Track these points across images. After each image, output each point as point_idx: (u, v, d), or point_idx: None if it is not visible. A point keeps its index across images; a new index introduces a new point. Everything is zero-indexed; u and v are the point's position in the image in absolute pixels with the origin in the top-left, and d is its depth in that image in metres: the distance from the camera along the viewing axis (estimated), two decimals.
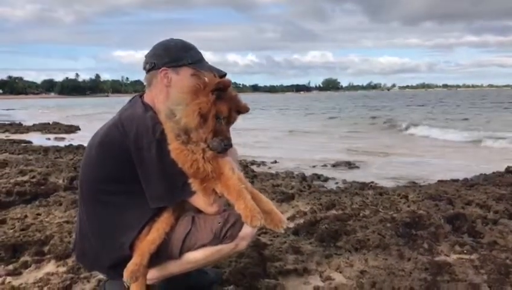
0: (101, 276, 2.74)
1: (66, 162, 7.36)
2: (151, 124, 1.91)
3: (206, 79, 1.87)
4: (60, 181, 5.92)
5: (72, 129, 16.02)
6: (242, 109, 1.95)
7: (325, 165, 7.86)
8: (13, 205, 4.70)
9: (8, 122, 17.27)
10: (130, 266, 1.90)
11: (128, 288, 2.06)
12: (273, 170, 7.36)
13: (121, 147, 1.91)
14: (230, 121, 1.91)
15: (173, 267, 2.04)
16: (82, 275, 2.77)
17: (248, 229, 1.98)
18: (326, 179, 6.47)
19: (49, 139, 13.01)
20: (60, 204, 4.31)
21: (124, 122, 1.94)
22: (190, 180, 1.91)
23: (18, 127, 16.08)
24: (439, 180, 6.08)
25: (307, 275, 2.90)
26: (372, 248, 3.25)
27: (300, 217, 4.18)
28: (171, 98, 1.97)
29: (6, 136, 13.49)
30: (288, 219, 4.25)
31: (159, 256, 1.98)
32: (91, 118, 25.64)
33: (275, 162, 8.22)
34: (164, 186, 1.91)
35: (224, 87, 1.86)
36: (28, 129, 15.67)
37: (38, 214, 3.99)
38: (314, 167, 7.61)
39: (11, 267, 2.95)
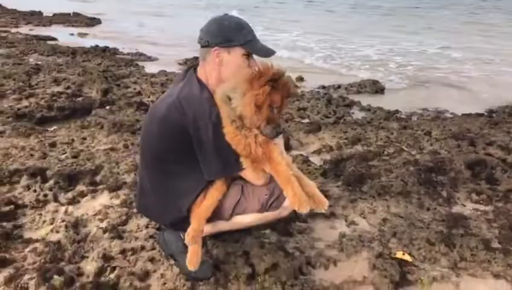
0: None
1: (96, 69, 7.51)
2: (208, 107, 2.06)
3: (262, 68, 1.98)
4: (94, 93, 6.16)
5: (94, 23, 15.83)
6: (293, 95, 2.08)
7: (350, 86, 7.84)
8: (55, 121, 5.03)
9: (29, 12, 17.01)
10: (191, 231, 2.19)
11: (183, 239, 2.39)
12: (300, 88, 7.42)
13: (180, 125, 2.08)
14: (282, 108, 2.06)
15: (223, 226, 2.34)
16: (135, 210, 3.11)
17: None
18: (351, 104, 6.56)
19: (72, 34, 12.97)
20: (102, 127, 4.58)
21: (182, 102, 2.08)
22: (241, 159, 2.12)
23: (40, 19, 15.90)
24: (463, 114, 6.15)
25: (334, 219, 3.21)
26: (395, 195, 3.52)
27: (327, 153, 4.41)
28: (227, 83, 2.09)
29: (30, 30, 13.46)
30: (314, 152, 4.51)
31: (211, 217, 2.27)
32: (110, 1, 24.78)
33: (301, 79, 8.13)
34: (219, 163, 2.12)
35: (279, 77, 1.98)
36: (50, 22, 15.51)
37: (84, 139, 4.28)
38: (338, 87, 7.63)
39: (69, 195, 3.30)
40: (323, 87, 7.68)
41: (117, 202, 3.21)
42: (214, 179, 2.21)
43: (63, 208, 3.13)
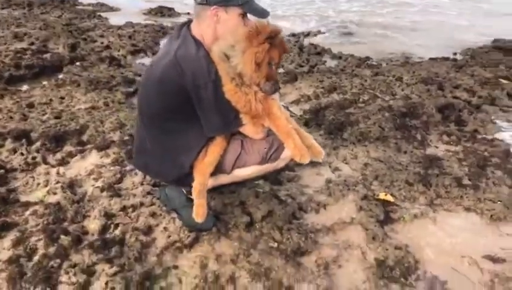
0: None
1: (59, 23, 7.20)
2: (206, 65, 2.10)
3: (259, 26, 2.03)
4: (61, 48, 5.96)
5: None
6: (288, 51, 2.16)
7: (319, 32, 7.89)
8: (24, 80, 4.88)
9: None
10: (197, 186, 2.29)
11: (186, 193, 2.51)
12: None
13: (179, 84, 2.11)
14: (278, 64, 2.13)
15: (224, 179, 2.46)
16: (128, 168, 3.18)
17: (288, 153, 2.36)
18: (322, 52, 6.64)
19: None
20: (78, 85, 4.50)
21: (180, 62, 2.10)
22: (241, 115, 2.21)
23: None
24: (430, 58, 6.37)
25: (319, 166, 3.39)
26: (373, 140, 3.72)
27: (305, 102, 4.55)
28: (223, 41, 2.13)
29: None
30: (293, 102, 4.63)
31: (213, 171, 2.37)
32: None
33: None
34: (219, 120, 2.20)
35: (276, 35, 2.04)
36: None
37: (62, 98, 4.20)
38: (308, 35, 7.67)
39: (58, 156, 3.31)
40: (293, 34, 7.69)
41: (108, 161, 3.26)
42: (215, 136, 2.30)
43: (54, 170, 3.15)
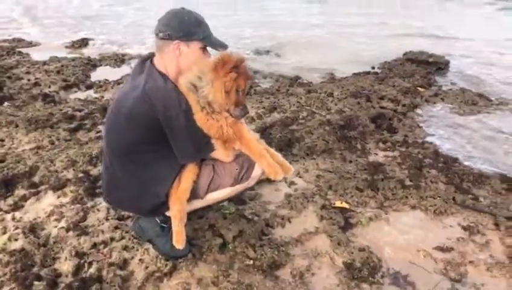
0: (106, 204, 3.16)
1: None
2: (176, 96, 2.19)
3: (224, 57, 2.18)
4: None
5: None
6: (251, 78, 2.33)
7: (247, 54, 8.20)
8: None
9: None
10: (177, 214, 2.35)
11: (160, 223, 2.55)
12: None
13: (150, 117, 2.18)
14: (245, 90, 2.30)
15: (198, 204, 2.53)
16: (89, 205, 3.13)
17: (258, 172, 2.51)
18: (254, 72, 6.91)
19: None
20: (16, 125, 4.30)
21: (150, 95, 2.16)
22: (212, 140, 2.33)
23: None
24: (353, 73, 6.88)
25: (276, 182, 3.56)
26: (320, 153, 3.99)
27: (251, 123, 4.73)
28: (189, 73, 2.25)
29: None
30: None
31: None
32: None
33: None
34: (192, 147, 2.29)
35: (240, 64, 2.21)
36: None
37: (2, 140, 4.01)
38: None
39: (10, 201, 3.18)
40: None
41: (66, 200, 3.18)
42: (188, 163, 2.38)
43: (8, 216, 3.02)
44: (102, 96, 5.60)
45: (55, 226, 2.91)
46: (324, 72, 7.16)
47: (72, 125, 4.49)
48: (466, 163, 3.95)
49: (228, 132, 2.29)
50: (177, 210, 2.36)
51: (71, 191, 3.26)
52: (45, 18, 12.08)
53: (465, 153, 4.22)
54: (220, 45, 2.34)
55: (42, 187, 3.33)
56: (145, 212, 2.53)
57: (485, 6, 11.12)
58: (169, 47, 2.29)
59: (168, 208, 2.43)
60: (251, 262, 2.66)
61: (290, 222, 3.09)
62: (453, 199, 3.38)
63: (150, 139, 2.28)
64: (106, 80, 6.29)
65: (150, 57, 2.43)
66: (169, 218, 2.52)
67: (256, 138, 2.43)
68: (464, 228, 3.10)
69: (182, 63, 2.32)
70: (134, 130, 2.26)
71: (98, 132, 4.45)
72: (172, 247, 2.52)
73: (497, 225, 3.13)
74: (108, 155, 2.44)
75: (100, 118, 4.72)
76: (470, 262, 2.77)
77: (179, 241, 2.38)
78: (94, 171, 3.55)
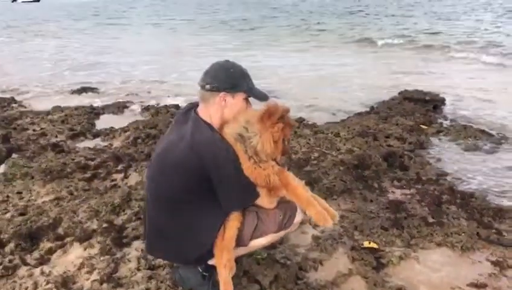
0: (136, 253, 3.12)
1: None
2: (224, 147, 2.24)
3: (271, 108, 2.26)
4: None
5: None
6: (294, 126, 2.40)
7: None
8: None
9: None
10: (227, 263, 2.33)
11: (201, 272, 2.53)
12: None
13: (198, 167, 2.21)
14: (289, 139, 2.36)
15: (242, 251, 2.52)
16: (118, 255, 3.09)
17: (299, 217, 2.55)
18: None
19: None
20: (32, 177, 4.28)
21: (199, 146, 2.20)
22: (258, 188, 2.36)
23: None
24: (356, 113, 7.04)
25: (301, 225, 3.53)
26: (340, 193, 4.03)
27: None
28: (234, 123, 2.32)
29: None
30: None
31: None
32: None
33: None
34: (240, 196, 2.33)
35: (286, 114, 2.28)
36: None
37: (20, 193, 3.97)
38: None
39: (36, 254, 3.12)
40: None
41: (95, 251, 3.14)
42: (234, 211, 2.40)
43: (37, 270, 2.96)
44: (111, 144, 5.61)
45: (87, 279, 2.86)
46: (326, 113, 7.30)
47: (87, 175, 4.48)
48: (483, 198, 4.01)
49: (275, 180, 2.33)
50: (227, 259, 2.34)
51: (98, 242, 3.22)
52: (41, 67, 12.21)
53: (479, 188, 4.30)
54: (262, 97, 2.42)
55: (68, 239, 3.28)
56: (189, 261, 2.51)
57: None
58: (216, 98, 2.35)
59: (211, 257, 2.42)
60: None
61: (322, 264, 3.08)
62: (477, 234, 3.42)
63: (196, 188, 2.30)
64: (112, 127, 6.31)
65: (194, 106, 2.48)
66: (210, 266, 2.51)
67: (302, 184, 2.46)
68: (494, 263, 3.12)
69: (226, 113, 2.38)
70: (181, 179, 2.28)
71: (112, 180, 4.44)
72: None
73: None
74: (152, 204, 2.45)
75: (114, 167, 4.72)
76: None
77: None
78: (118, 221, 3.52)
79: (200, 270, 2.55)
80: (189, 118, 2.39)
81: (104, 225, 3.42)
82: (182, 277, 2.60)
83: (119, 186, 4.25)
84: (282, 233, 2.54)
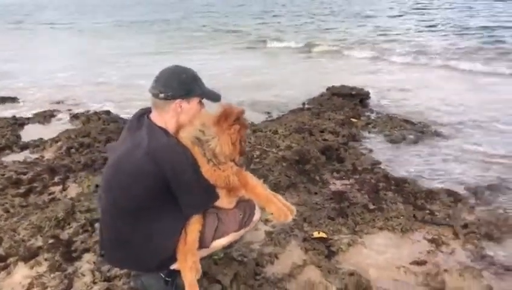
0: (88, 266, 3.03)
1: None
2: (181, 151, 2.24)
3: (227, 110, 2.30)
4: None
5: None
6: (248, 128, 2.47)
7: None
8: None
9: None
10: (193, 265, 2.33)
11: (164, 278, 2.52)
12: None
13: (157, 175, 2.18)
14: (245, 140, 2.43)
15: (204, 252, 2.54)
16: (70, 270, 2.97)
17: (258, 215, 2.63)
18: None
19: None
20: None
21: (155, 153, 2.17)
22: (217, 189, 2.40)
23: None
24: (290, 111, 7.25)
25: None
26: (286, 188, 4.17)
27: None
28: (192, 126, 2.32)
29: None
30: None
31: None
32: None
33: None
34: (200, 199, 2.35)
35: (241, 115, 2.34)
36: None
37: None
38: None
39: None
40: None
41: (43, 269, 2.99)
42: (194, 214, 2.41)
43: None
44: (43, 156, 5.32)
45: None
46: (261, 112, 7.42)
47: (21, 190, 4.22)
48: (414, 183, 4.35)
49: (234, 180, 2.38)
50: (193, 262, 2.35)
51: (46, 259, 3.07)
52: None
53: (410, 174, 4.65)
54: (216, 97, 2.45)
55: (11, 259, 3.09)
56: (152, 268, 2.48)
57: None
58: (171, 106, 2.33)
59: (173, 262, 2.42)
60: None
61: (277, 258, 3.18)
62: (414, 216, 3.72)
63: (155, 195, 2.28)
64: (41, 138, 5.98)
65: (146, 112, 2.45)
66: (172, 271, 2.51)
67: (260, 183, 2.53)
68: (430, 241, 3.42)
69: (182, 118, 2.37)
70: (139, 188, 2.25)
71: (50, 194, 4.23)
72: None
73: (456, 234, 3.50)
74: (109, 214, 2.39)
75: (50, 179, 4.49)
76: (445, 271, 3.06)
77: None
78: (64, 235, 3.37)
79: (163, 276, 2.53)
80: (143, 125, 2.36)
81: (50, 241, 3.26)
82: (144, 285, 2.56)
83: (59, 199, 4.06)
84: (242, 232, 2.60)
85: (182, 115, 2.37)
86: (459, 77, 10.15)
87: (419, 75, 10.45)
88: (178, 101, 2.33)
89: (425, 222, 3.66)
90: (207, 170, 2.31)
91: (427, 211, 3.82)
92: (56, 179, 4.50)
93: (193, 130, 2.33)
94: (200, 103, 2.46)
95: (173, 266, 2.46)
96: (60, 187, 4.33)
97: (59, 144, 5.68)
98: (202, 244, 2.47)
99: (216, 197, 2.40)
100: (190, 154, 2.28)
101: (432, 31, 17.51)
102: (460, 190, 4.25)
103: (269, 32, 20.52)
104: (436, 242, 3.39)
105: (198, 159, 2.30)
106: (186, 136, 2.33)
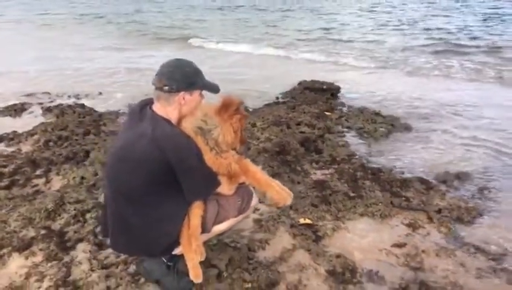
0: (84, 255, 3.08)
1: None
2: (185, 140, 2.35)
3: (227, 101, 2.43)
4: None
5: None
6: (248, 117, 2.60)
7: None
8: None
9: None
10: (197, 248, 2.44)
11: (166, 263, 2.63)
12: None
13: (161, 161, 2.27)
14: (245, 129, 2.56)
15: (204, 237, 2.65)
16: (67, 259, 3.02)
17: (255, 201, 2.77)
18: None
19: None
20: None
21: (160, 141, 2.27)
22: (219, 176, 2.52)
23: None
24: (265, 104, 7.40)
25: None
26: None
27: None
28: (194, 117, 2.44)
29: None
30: None
31: None
32: None
33: None
34: (203, 185, 2.46)
35: (240, 106, 2.48)
36: None
37: None
38: None
39: None
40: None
41: (39, 258, 3.02)
42: (197, 200, 2.52)
43: None
44: (20, 149, 5.24)
45: (39, 287, 2.77)
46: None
47: (4, 183, 4.19)
48: (389, 172, 4.61)
49: (235, 168, 2.51)
50: (197, 245, 2.47)
51: (40, 249, 3.10)
52: None
53: (385, 163, 4.91)
54: (216, 89, 2.57)
55: (4, 250, 3.10)
56: (156, 252, 2.58)
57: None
58: (175, 98, 2.42)
59: (176, 247, 2.53)
60: (249, 285, 2.86)
61: (268, 243, 3.34)
62: (391, 202, 3.97)
63: (160, 181, 2.38)
64: (15, 131, 5.87)
65: (148, 103, 2.53)
66: (173, 257, 2.62)
67: (259, 169, 2.67)
68: (407, 225, 3.67)
69: (184, 109, 2.48)
70: (144, 174, 2.34)
71: (33, 186, 4.22)
72: (178, 283, 2.63)
73: (430, 218, 3.76)
74: (115, 201, 2.46)
75: (31, 172, 4.46)
76: (422, 251, 3.31)
77: (198, 275, 2.49)
78: (56, 226, 3.41)
79: (165, 261, 2.64)
80: (146, 116, 2.44)
81: (42, 232, 3.29)
82: (147, 270, 2.66)
83: (43, 192, 4.06)
84: (241, 217, 2.74)
85: (184, 107, 2.47)
86: (414, 73, 10.52)
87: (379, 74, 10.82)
88: (182, 93, 2.43)
89: (402, 208, 3.91)
90: (210, 158, 2.43)
91: (403, 198, 4.07)
92: (38, 172, 4.48)
93: (195, 120, 2.45)
94: (201, 94, 2.57)
95: (176, 251, 2.57)
96: (43, 180, 4.32)
97: (35, 137, 5.61)
98: (204, 229, 2.59)
99: (218, 183, 2.53)
100: (193, 143, 2.39)
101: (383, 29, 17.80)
102: (431, 177, 4.55)
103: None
104: (413, 226, 3.64)
105: (201, 148, 2.42)
106: (188, 126, 2.44)
